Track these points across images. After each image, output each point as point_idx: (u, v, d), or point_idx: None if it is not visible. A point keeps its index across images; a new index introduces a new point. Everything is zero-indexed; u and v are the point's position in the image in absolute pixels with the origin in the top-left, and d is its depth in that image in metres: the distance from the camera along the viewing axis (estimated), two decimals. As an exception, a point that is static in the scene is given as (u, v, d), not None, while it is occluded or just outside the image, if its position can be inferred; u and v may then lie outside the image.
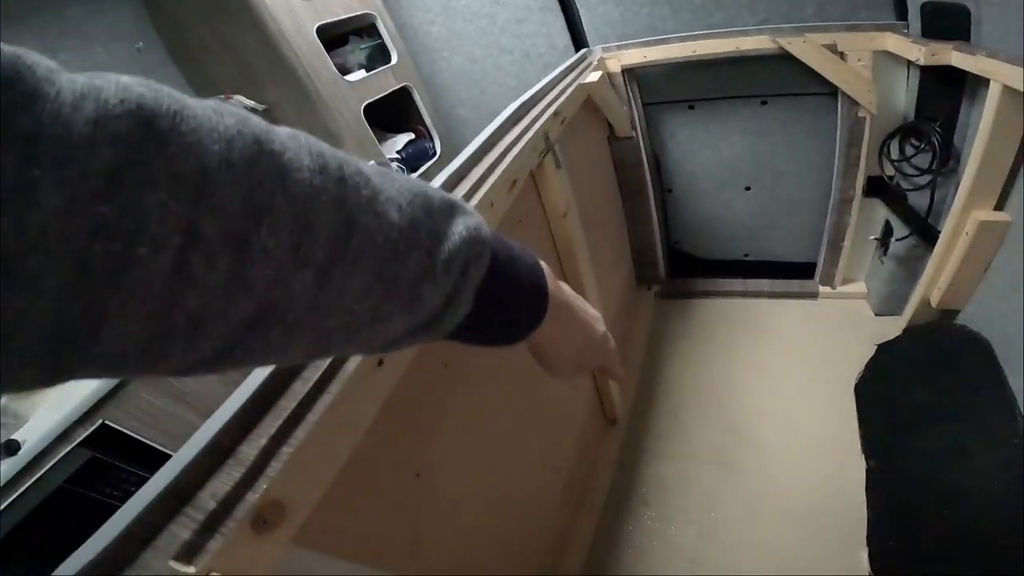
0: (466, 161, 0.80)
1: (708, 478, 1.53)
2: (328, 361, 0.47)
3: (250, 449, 0.41)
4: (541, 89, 1.21)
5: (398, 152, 1.73)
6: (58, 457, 0.77)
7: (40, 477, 0.76)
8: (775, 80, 1.67)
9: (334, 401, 0.45)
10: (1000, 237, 1.35)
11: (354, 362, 0.48)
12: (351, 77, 1.46)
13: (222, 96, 1.34)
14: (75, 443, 0.80)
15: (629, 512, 1.47)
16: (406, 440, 0.72)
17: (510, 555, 1.07)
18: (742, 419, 1.67)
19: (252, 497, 0.38)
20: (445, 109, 2.01)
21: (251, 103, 1.34)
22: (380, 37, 1.69)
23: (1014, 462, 1.20)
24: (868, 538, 1.33)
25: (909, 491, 1.34)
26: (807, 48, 1.48)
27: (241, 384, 0.45)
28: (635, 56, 1.63)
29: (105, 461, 0.87)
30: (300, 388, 0.46)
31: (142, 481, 0.90)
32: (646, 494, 1.51)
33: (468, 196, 0.74)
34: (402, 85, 1.68)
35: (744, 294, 2.12)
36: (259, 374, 0.45)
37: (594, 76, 1.34)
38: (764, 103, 1.74)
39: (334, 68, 1.38)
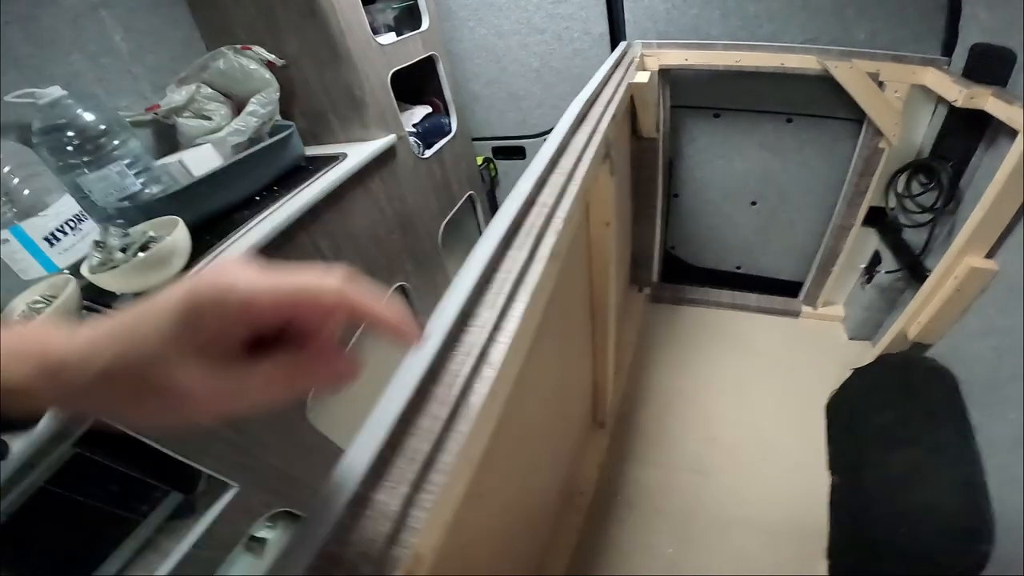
0: (545, 167, 0.76)
1: (688, 485, 1.59)
2: (453, 405, 0.44)
3: (389, 499, 0.38)
4: (597, 87, 1.15)
5: (414, 125, 1.64)
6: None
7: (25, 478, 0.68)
8: (805, 100, 1.67)
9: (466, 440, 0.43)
10: (985, 283, 1.42)
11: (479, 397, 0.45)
12: (382, 39, 1.36)
13: (238, 46, 1.22)
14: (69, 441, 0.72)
15: (613, 515, 1.50)
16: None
17: (511, 556, 1.08)
18: (720, 429, 1.73)
19: (401, 553, 0.35)
20: (457, 82, 1.92)
21: (271, 56, 1.22)
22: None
23: (968, 489, 1.29)
24: (828, 550, 1.42)
25: (868, 509, 1.41)
26: (851, 74, 1.48)
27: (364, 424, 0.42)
28: (676, 57, 1.59)
29: (90, 459, 0.79)
30: (430, 425, 0.43)
31: (128, 479, 0.83)
32: (630, 497, 1.55)
33: (552, 209, 0.70)
34: (429, 54, 1.58)
35: (732, 306, 2.17)
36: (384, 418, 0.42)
37: (643, 76, 1.30)
38: (789, 120, 1.74)
39: (368, 27, 1.28)
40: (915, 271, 1.70)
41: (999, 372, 1.31)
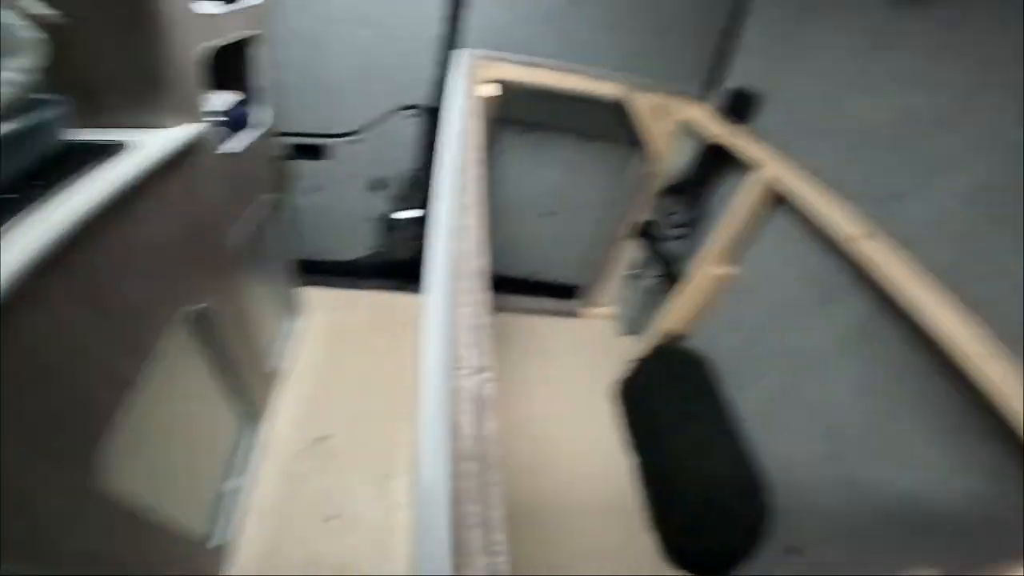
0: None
1: (526, 485, 1.66)
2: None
3: None
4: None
5: (219, 114, 1.28)
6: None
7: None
8: (601, 124, 1.90)
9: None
10: (727, 285, 1.83)
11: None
12: (205, 7, 1.02)
13: None
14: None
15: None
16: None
17: None
18: (539, 427, 1.85)
19: None
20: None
21: (49, 11, 0.79)
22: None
23: (738, 453, 1.57)
24: (651, 524, 1.63)
25: (668, 481, 1.65)
26: (643, 103, 1.73)
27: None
28: (511, 73, 1.60)
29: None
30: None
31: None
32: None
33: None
34: (255, 33, 1.25)
35: (528, 311, 2.33)
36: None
37: (491, 89, 1.27)
38: (583, 139, 1.95)
39: None
40: (673, 276, 2.07)
41: (744, 356, 1.68)
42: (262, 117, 1.42)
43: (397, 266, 2.23)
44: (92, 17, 0.85)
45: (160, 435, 1.04)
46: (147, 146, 0.92)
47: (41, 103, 0.80)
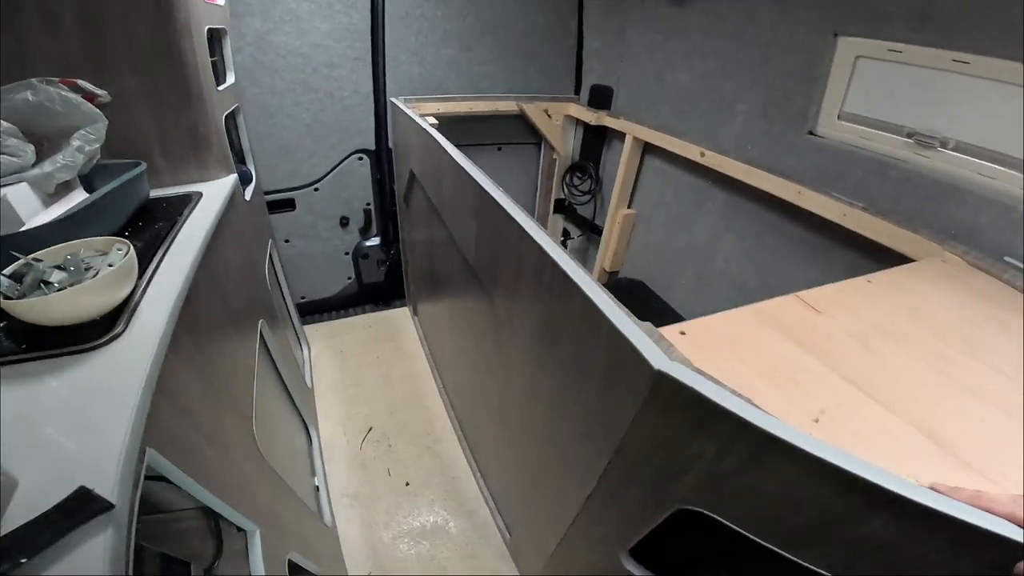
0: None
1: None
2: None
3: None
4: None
5: None
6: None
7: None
8: (507, 133, 2.29)
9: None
10: (633, 222, 2.26)
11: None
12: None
13: (55, 79, 0.89)
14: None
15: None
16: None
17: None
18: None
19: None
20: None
21: (98, 91, 0.95)
22: (222, 53, 1.43)
23: None
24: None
25: None
26: (533, 111, 2.14)
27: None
28: (431, 108, 1.93)
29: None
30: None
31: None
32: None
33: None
34: (235, 106, 1.45)
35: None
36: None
37: (433, 120, 1.58)
38: (499, 149, 2.32)
39: (211, 71, 1.14)
40: (593, 231, 2.49)
41: (664, 268, 2.10)
42: (254, 174, 1.61)
43: (373, 288, 2.43)
44: (134, 94, 1.04)
45: (269, 427, 1.18)
46: (211, 193, 1.12)
47: (128, 165, 0.98)
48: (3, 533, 0.39)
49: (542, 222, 2.56)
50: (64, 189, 0.96)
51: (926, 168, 1.15)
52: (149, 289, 0.72)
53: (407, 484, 1.66)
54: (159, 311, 0.68)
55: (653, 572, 0.77)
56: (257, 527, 0.81)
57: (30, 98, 0.92)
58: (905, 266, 1.05)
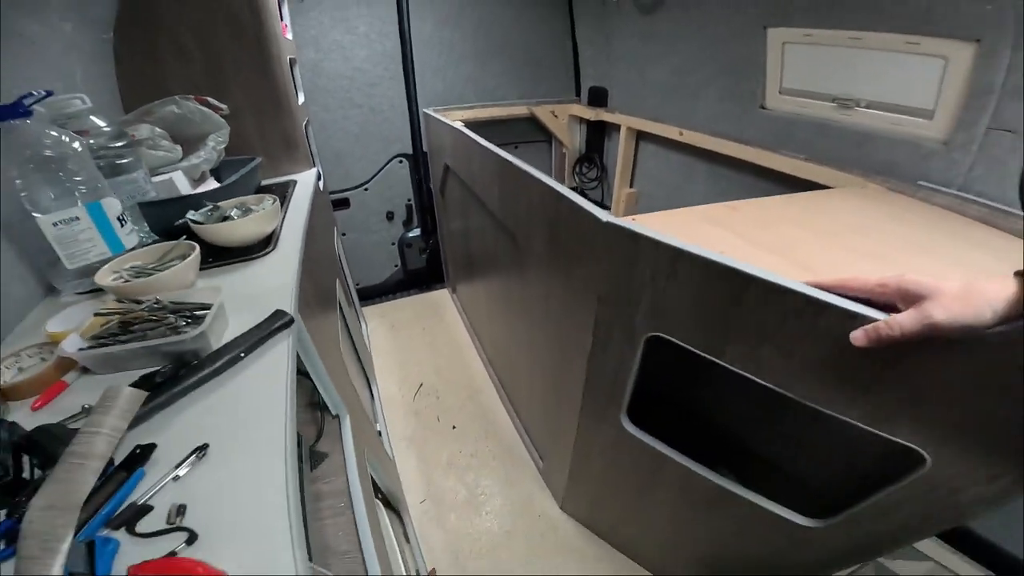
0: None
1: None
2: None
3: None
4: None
5: None
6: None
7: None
8: (522, 133, 2.60)
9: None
10: (636, 199, 2.52)
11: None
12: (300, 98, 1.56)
13: (191, 96, 1.24)
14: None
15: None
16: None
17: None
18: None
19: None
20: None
21: (223, 106, 1.29)
22: (294, 78, 1.78)
23: None
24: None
25: None
26: (543, 113, 2.45)
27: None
28: (456, 116, 2.26)
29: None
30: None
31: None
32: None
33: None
34: (307, 119, 1.80)
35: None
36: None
37: (460, 124, 1.91)
38: (516, 147, 2.63)
39: (294, 90, 1.49)
40: (603, 210, 2.75)
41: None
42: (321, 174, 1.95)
43: (416, 273, 2.75)
44: (243, 108, 1.38)
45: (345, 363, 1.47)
46: (303, 180, 1.44)
47: (247, 160, 1.31)
48: (228, 341, 0.67)
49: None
50: (202, 178, 1.30)
51: (849, 124, 1.40)
52: (283, 229, 1.04)
53: (453, 427, 1.94)
54: (293, 240, 1.00)
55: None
56: (347, 413, 1.10)
57: (175, 111, 1.26)
58: (824, 190, 1.31)
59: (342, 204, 2.42)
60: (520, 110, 2.46)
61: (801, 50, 1.49)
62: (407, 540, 1.40)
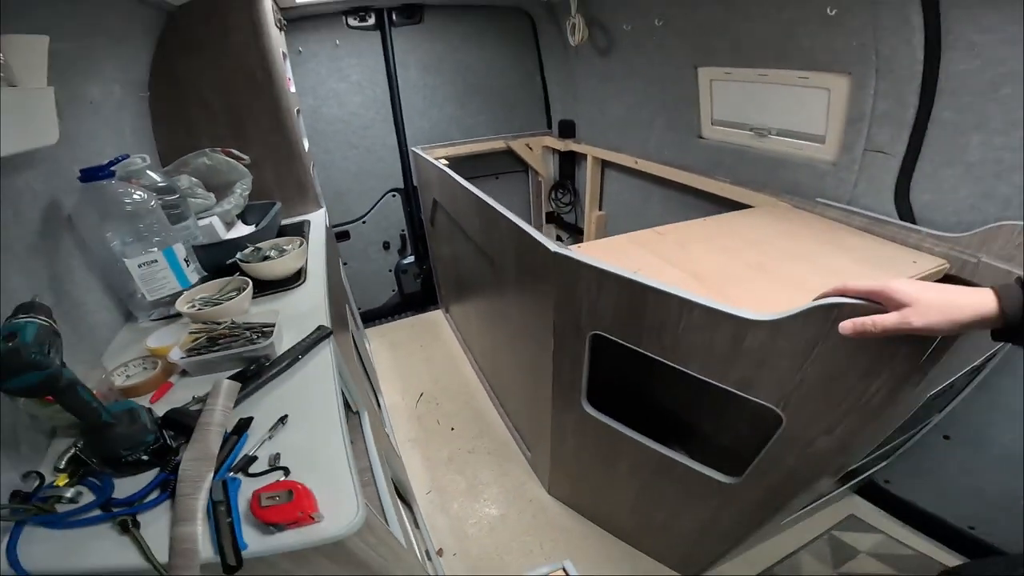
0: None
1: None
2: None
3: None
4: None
5: None
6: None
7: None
8: (501, 165, 2.88)
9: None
10: (605, 221, 2.80)
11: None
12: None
13: (219, 149, 1.47)
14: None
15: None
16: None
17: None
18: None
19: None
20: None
21: (245, 157, 1.51)
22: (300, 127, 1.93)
23: None
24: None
25: None
26: (519, 146, 2.73)
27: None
28: (441, 152, 2.54)
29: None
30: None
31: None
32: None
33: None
34: (312, 163, 2.04)
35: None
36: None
37: (444, 161, 2.17)
38: (497, 178, 2.91)
39: (302, 139, 1.74)
40: (578, 233, 3.03)
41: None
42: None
43: (412, 297, 2.99)
44: (262, 158, 1.60)
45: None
46: (315, 220, 1.68)
47: (269, 204, 1.55)
48: (287, 349, 0.91)
49: (538, 232, 3.13)
50: (233, 221, 1.53)
51: (764, 150, 1.69)
52: (308, 263, 1.28)
53: (452, 429, 2.16)
54: (318, 271, 1.24)
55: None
56: (365, 410, 1.33)
57: (207, 162, 1.48)
58: (744, 210, 1.59)
59: (343, 236, 2.66)
60: (498, 144, 2.74)
61: (725, 86, 1.77)
62: (416, 526, 1.60)
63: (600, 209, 2.78)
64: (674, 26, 1.86)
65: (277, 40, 1.66)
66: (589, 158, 2.59)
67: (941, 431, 1.47)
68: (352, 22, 2.37)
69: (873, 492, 1.70)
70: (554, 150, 2.89)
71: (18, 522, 0.59)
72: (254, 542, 0.57)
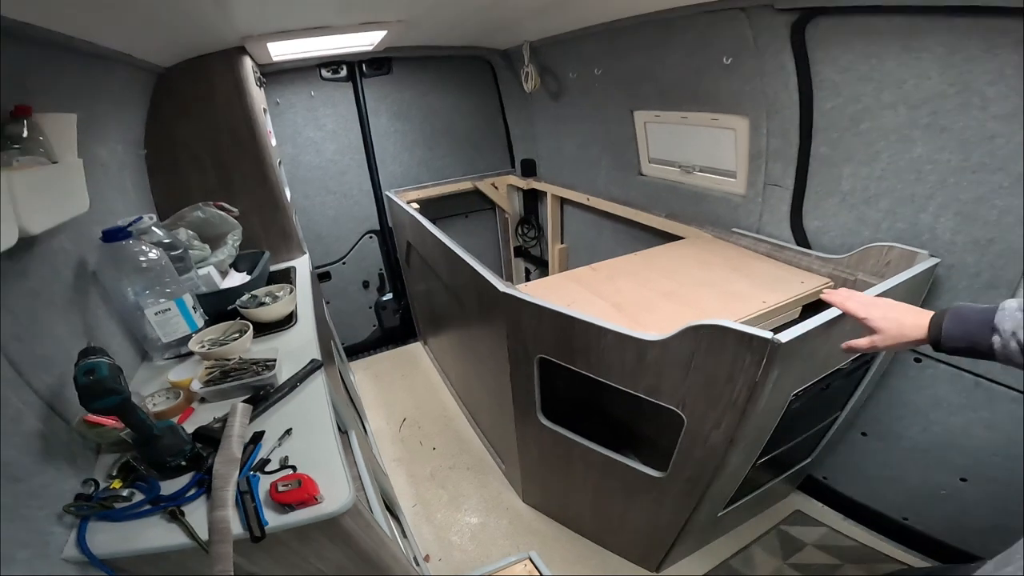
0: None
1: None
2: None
3: None
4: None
5: None
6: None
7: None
8: (470, 204, 3.13)
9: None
10: (567, 253, 3.07)
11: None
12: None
13: (211, 203, 1.64)
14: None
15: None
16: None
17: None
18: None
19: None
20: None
21: (235, 209, 1.68)
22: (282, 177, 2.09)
23: None
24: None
25: None
26: (485, 185, 3.00)
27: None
28: (413, 195, 2.78)
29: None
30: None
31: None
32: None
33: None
34: (294, 211, 2.24)
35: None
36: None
37: (415, 205, 2.41)
38: (467, 216, 3.16)
39: (284, 190, 1.95)
40: (543, 264, 3.29)
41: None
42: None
43: (392, 331, 3.19)
44: (250, 209, 1.77)
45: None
46: (299, 265, 1.89)
47: (259, 253, 1.74)
48: (287, 378, 1.11)
49: (507, 266, 3.38)
50: (227, 270, 1.71)
51: (691, 185, 1.97)
52: (298, 306, 1.49)
53: (434, 448, 2.33)
54: (306, 313, 1.44)
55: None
56: (353, 430, 1.51)
57: (201, 215, 1.64)
58: (674, 242, 1.85)
59: (325, 277, 2.85)
60: (466, 185, 2.99)
61: (657, 127, 2.04)
62: (404, 536, 1.77)
63: (562, 242, 3.04)
64: (611, 74, 2.12)
65: (258, 98, 1.83)
66: (549, 196, 2.87)
67: (859, 428, 1.65)
68: (326, 74, 2.57)
69: (815, 488, 1.88)
70: (518, 188, 3.16)
71: (84, 518, 0.77)
72: (273, 520, 0.77)
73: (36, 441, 0.78)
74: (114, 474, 0.84)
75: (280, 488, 0.78)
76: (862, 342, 0.85)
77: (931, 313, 0.80)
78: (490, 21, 2.07)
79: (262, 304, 1.39)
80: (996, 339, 0.70)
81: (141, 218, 1.34)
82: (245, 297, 1.40)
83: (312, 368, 1.12)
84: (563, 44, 2.26)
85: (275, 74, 2.42)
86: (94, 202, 1.09)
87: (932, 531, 1.57)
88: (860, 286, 1.40)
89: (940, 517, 1.53)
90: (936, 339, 0.77)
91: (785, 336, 0.92)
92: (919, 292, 1.32)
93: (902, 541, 1.66)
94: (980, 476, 1.40)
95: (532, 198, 3.17)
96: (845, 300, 0.90)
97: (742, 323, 1.27)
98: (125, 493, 0.80)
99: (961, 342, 0.75)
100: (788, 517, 1.84)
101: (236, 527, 0.76)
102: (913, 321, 0.80)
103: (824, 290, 0.96)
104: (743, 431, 1.06)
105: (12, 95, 0.89)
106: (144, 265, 1.18)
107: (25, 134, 0.88)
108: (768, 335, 0.91)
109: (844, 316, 1.03)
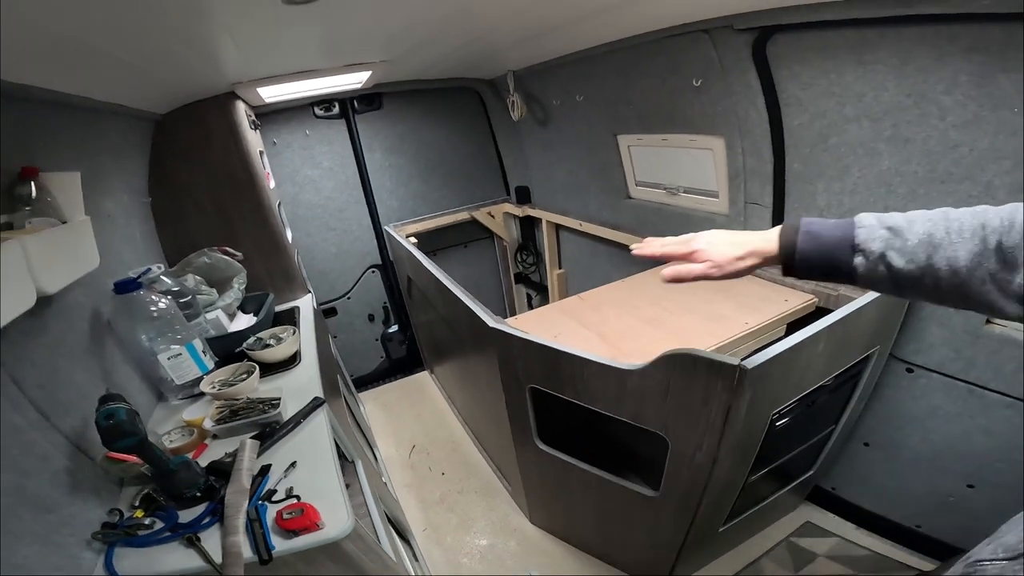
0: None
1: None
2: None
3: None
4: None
5: None
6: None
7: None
8: (468, 234, 3.25)
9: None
10: (565, 278, 3.15)
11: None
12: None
13: (216, 248, 1.69)
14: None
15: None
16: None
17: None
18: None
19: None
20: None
21: (238, 253, 1.79)
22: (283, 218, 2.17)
23: None
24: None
25: None
26: (481, 215, 3.12)
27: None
28: (411, 228, 2.90)
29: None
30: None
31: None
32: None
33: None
34: (296, 251, 2.36)
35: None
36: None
37: (413, 239, 2.53)
38: (466, 246, 3.27)
39: (285, 231, 2.06)
40: (543, 290, 3.37)
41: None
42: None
43: (399, 362, 3.28)
44: (253, 252, 1.86)
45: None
46: (303, 305, 1.99)
47: (263, 295, 1.85)
48: (291, 415, 1.20)
49: (509, 293, 3.48)
50: (234, 313, 1.81)
51: (676, 206, 2.05)
52: (301, 346, 1.59)
53: (443, 473, 2.39)
54: (310, 352, 1.54)
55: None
56: (359, 459, 1.59)
57: (207, 261, 1.74)
58: (659, 267, 1.90)
59: (331, 312, 2.96)
60: (463, 216, 3.10)
61: (640, 150, 2.11)
62: (416, 559, 1.82)
63: (560, 267, 3.13)
64: (592, 100, 2.19)
65: (254, 142, 1.90)
66: (544, 222, 2.98)
67: (861, 439, 1.67)
68: (319, 112, 2.66)
69: (825, 499, 1.88)
70: (514, 216, 3.27)
71: (111, 544, 0.86)
72: (279, 544, 0.85)
73: (64, 476, 0.87)
74: (137, 504, 0.93)
75: (285, 516, 0.86)
76: (692, 268, 0.75)
77: (775, 228, 0.71)
78: (472, 54, 2.16)
79: (267, 346, 1.49)
80: (859, 260, 0.61)
81: (150, 269, 1.45)
82: (251, 340, 1.51)
83: (314, 405, 1.21)
84: (545, 72, 2.35)
85: (270, 114, 2.50)
86: (104, 254, 1.12)
87: (946, 537, 1.56)
88: (842, 300, 1.43)
89: (952, 524, 1.52)
90: (789, 257, 0.67)
91: (752, 362, 0.97)
92: (900, 305, 1.36)
93: (917, 548, 1.65)
94: (987, 483, 1.40)
95: (528, 224, 3.28)
96: (662, 247, 0.81)
97: (724, 345, 1.35)
98: (147, 521, 0.89)
99: (818, 263, 0.65)
100: (798, 529, 1.85)
101: (247, 551, 0.84)
102: (747, 238, 0.72)
103: (632, 247, 0.86)
104: (725, 450, 1.11)
105: (15, 156, 0.93)
106: (155, 314, 1.27)
107: (34, 195, 0.92)
108: (735, 361, 0.96)
109: (817, 335, 1.08)
